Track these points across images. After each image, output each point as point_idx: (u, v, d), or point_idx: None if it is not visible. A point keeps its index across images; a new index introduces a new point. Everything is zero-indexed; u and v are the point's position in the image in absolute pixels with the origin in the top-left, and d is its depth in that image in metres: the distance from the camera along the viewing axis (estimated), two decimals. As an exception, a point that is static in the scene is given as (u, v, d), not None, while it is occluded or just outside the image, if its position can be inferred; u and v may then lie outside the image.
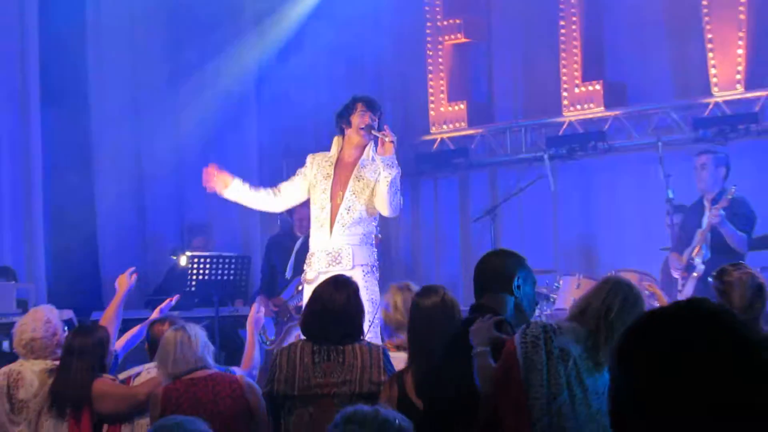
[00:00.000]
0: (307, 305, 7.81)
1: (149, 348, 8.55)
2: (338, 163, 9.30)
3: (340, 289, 7.41)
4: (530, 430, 6.03)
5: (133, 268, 9.58)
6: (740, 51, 12.30)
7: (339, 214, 9.18)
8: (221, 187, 9.82)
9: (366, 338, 7.57)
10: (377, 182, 9.27)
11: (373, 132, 9.16)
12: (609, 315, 5.92)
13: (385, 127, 9.69)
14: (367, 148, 9.33)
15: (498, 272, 6.62)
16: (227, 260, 12.41)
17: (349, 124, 9.20)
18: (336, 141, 9.43)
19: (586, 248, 13.71)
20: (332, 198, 9.32)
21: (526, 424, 5.98)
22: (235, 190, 9.81)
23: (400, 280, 8.58)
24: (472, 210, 13.36)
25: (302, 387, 7.20)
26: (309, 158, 9.60)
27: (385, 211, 9.24)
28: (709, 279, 8.91)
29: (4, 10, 13.96)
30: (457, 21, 14.51)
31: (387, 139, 9.41)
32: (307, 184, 9.64)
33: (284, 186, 9.79)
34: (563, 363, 5.99)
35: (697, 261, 10.76)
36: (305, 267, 9.54)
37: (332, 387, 7.23)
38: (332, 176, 9.33)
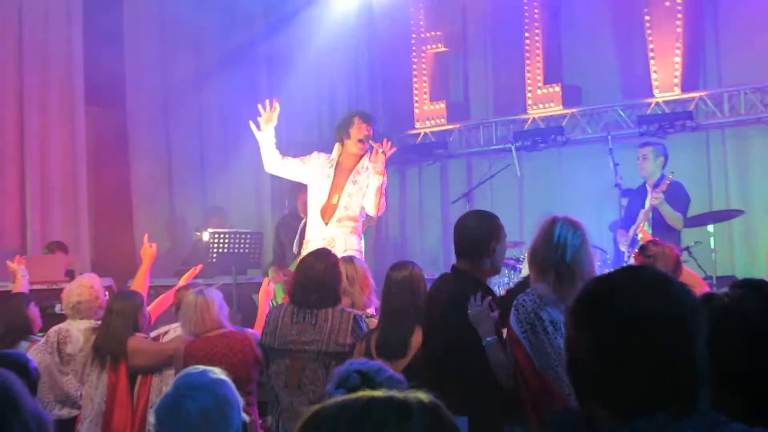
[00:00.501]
0: (293, 273, 7.89)
1: (176, 310, 8.54)
2: (338, 167, 9.38)
3: (320, 259, 7.50)
4: (561, 396, 5.86)
5: (146, 238, 9.85)
6: (677, 59, 12.39)
7: (336, 210, 9.33)
8: (264, 123, 9.92)
9: (342, 306, 7.47)
10: (368, 187, 9.45)
11: (370, 142, 9.33)
12: (563, 263, 5.88)
13: (384, 140, 9.90)
14: (363, 158, 9.45)
15: (477, 238, 6.55)
16: (243, 236, 12.34)
17: (348, 136, 9.33)
18: (337, 147, 9.48)
19: (547, 225, 12.11)
20: (330, 196, 9.44)
21: (558, 395, 5.87)
22: (268, 133, 9.90)
23: (391, 252, 8.70)
24: (451, 193, 13.52)
25: (281, 342, 7.32)
26: (315, 154, 9.66)
27: (371, 211, 9.40)
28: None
29: (54, 17, 13.70)
30: (438, 33, 14.71)
31: (381, 150, 9.57)
32: (305, 171, 9.77)
33: (288, 159, 9.95)
34: (560, 334, 5.91)
35: (641, 237, 10.24)
36: (302, 250, 9.55)
37: (303, 344, 7.31)
38: (332, 178, 9.43)
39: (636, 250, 8.27)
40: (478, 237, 6.43)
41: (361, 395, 2.15)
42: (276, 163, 9.76)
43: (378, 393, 2.20)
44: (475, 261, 6.35)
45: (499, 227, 6.51)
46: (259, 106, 9.85)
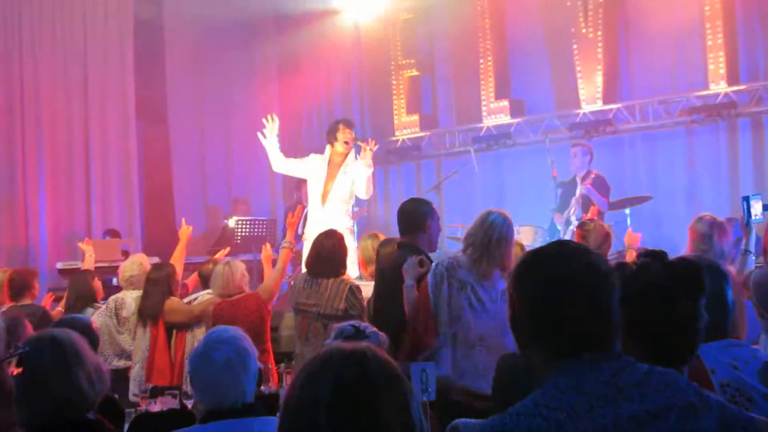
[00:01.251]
0: (310, 249, 7.90)
1: (201, 282, 9.07)
2: (330, 163, 9.55)
3: (328, 237, 7.51)
4: (434, 337, 6.06)
5: (184, 221, 10.08)
6: (599, 78, 12.64)
7: (329, 195, 9.47)
8: (268, 132, 9.99)
9: (345, 277, 7.49)
10: (358, 176, 9.47)
11: (357, 141, 9.53)
12: (489, 246, 5.90)
13: (369, 139, 10.09)
14: (348, 155, 9.59)
15: (413, 217, 6.73)
16: (261, 222, 12.60)
17: (336, 139, 9.49)
18: (327, 148, 9.61)
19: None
20: (325, 184, 9.54)
21: (432, 334, 6.01)
22: (272, 140, 9.94)
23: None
24: (425, 186, 13.72)
25: (296, 302, 7.37)
26: (312, 155, 9.87)
27: (362, 195, 9.53)
28: (573, 228, 9.31)
29: (111, 57, 14.00)
30: (411, 60, 14.82)
31: (368, 147, 9.69)
32: (304, 169, 9.90)
33: (290, 160, 10.09)
34: (463, 291, 5.99)
35: (573, 219, 10.85)
36: (304, 230, 9.94)
37: (309, 306, 7.32)
38: (326, 171, 9.55)
39: (576, 226, 8.41)
40: (413, 216, 6.59)
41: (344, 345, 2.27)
42: (280, 164, 9.85)
43: (363, 344, 2.31)
44: (414, 236, 6.52)
45: (431, 209, 6.65)
46: (264, 120, 9.85)
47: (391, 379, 2.21)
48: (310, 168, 9.59)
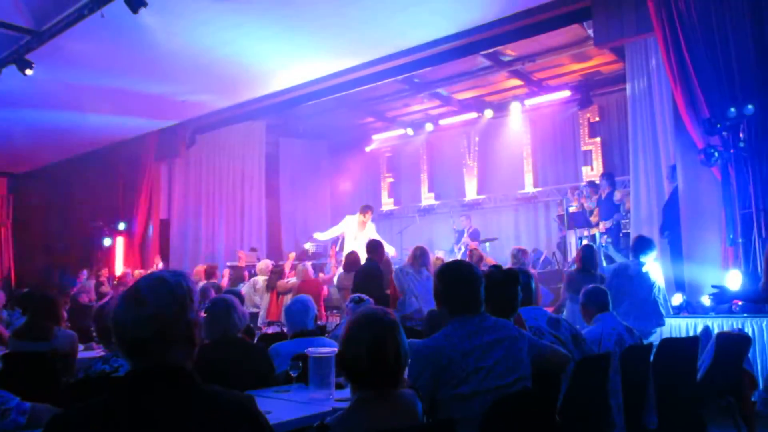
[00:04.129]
0: (343, 262, 7.52)
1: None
2: (358, 224, 8.83)
3: (352, 254, 7.24)
4: (400, 297, 5.66)
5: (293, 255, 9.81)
6: (475, 181, 12.95)
7: (356, 239, 8.75)
8: (318, 236, 9.42)
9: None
10: (371, 234, 8.91)
11: (368, 219, 9.12)
12: (419, 259, 5.88)
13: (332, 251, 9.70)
14: (366, 223, 8.86)
15: (371, 247, 6.49)
16: (322, 245, 12.22)
17: (363, 216, 8.93)
18: (358, 215, 8.83)
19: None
20: (355, 235, 8.88)
21: (398, 296, 5.73)
22: (322, 236, 9.34)
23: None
24: (395, 232, 13.03)
25: (341, 285, 6.94)
26: (347, 217, 9.14)
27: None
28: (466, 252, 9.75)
29: (253, 165, 13.93)
30: (389, 174, 14.32)
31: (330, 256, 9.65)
32: (341, 228, 9.08)
33: (331, 230, 9.48)
34: (409, 276, 5.59)
35: (463, 248, 10.58)
36: (342, 252, 9.30)
37: (348, 286, 6.69)
38: (356, 226, 8.92)
39: (469, 250, 8.51)
40: (371, 246, 6.67)
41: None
42: (330, 235, 9.67)
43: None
44: (374, 256, 6.54)
45: (380, 244, 6.69)
46: (315, 235, 10.03)
47: (395, 323, 1.97)
48: (348, 223, 9.11)
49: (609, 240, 8.61)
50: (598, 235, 8.89)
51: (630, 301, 5.23)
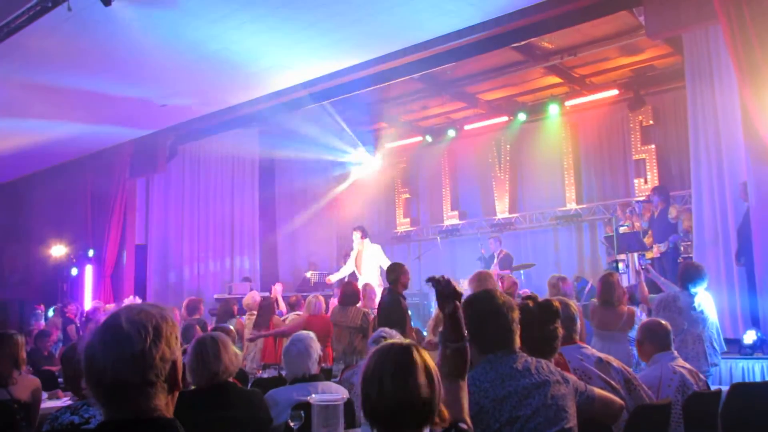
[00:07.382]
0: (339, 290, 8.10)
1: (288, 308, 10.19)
2: (359, 250, 9.90)
3: (350, 285, 7.48)
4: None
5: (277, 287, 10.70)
6: (507, 199, 12.97)
7: (361, 265, 9.57)
8: (332, 277, 10.38)
9: (358, 306, 7.33)
10: (372, 257, 9.53)
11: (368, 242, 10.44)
12: (480, 283, 5.74)
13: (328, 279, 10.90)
14: (365, 241, 9.65)
15: (391, 274, 6.66)
16: (324, 275, 12.45)
17: (361, 239, 9.70)
18: (361, 239, 9.70)
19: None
20: (356, 258, 9.68)
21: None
22: (337, 276, 10.13)
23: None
24: (412, 257, 13.23)
25: (335, 321, 7.15)
26: (355, 237, 10.22)
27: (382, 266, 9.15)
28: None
29: (241, 180, 13.93)
30: (405, 189, 14.52)
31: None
32: (356, 253, 9.95)
33: (347, 266, 9.92)
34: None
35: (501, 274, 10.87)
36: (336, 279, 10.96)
37: (342, 323, 7.03)
38: (362, 251, 9.47)
39: (500, 278, 8.22)
40: (391, 273, 6.77)
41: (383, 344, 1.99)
42: (344, 274, 10.17)
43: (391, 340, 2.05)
44: (393, 284, 6.68)
45: (401, 268, 6.73)
46: (328, 279, 10.74)
47: (418, 347, 1.96)
48: (356, 249, 10.11)
49: (648, 262, 8.51)
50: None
51: (681, 338, 5.22)
